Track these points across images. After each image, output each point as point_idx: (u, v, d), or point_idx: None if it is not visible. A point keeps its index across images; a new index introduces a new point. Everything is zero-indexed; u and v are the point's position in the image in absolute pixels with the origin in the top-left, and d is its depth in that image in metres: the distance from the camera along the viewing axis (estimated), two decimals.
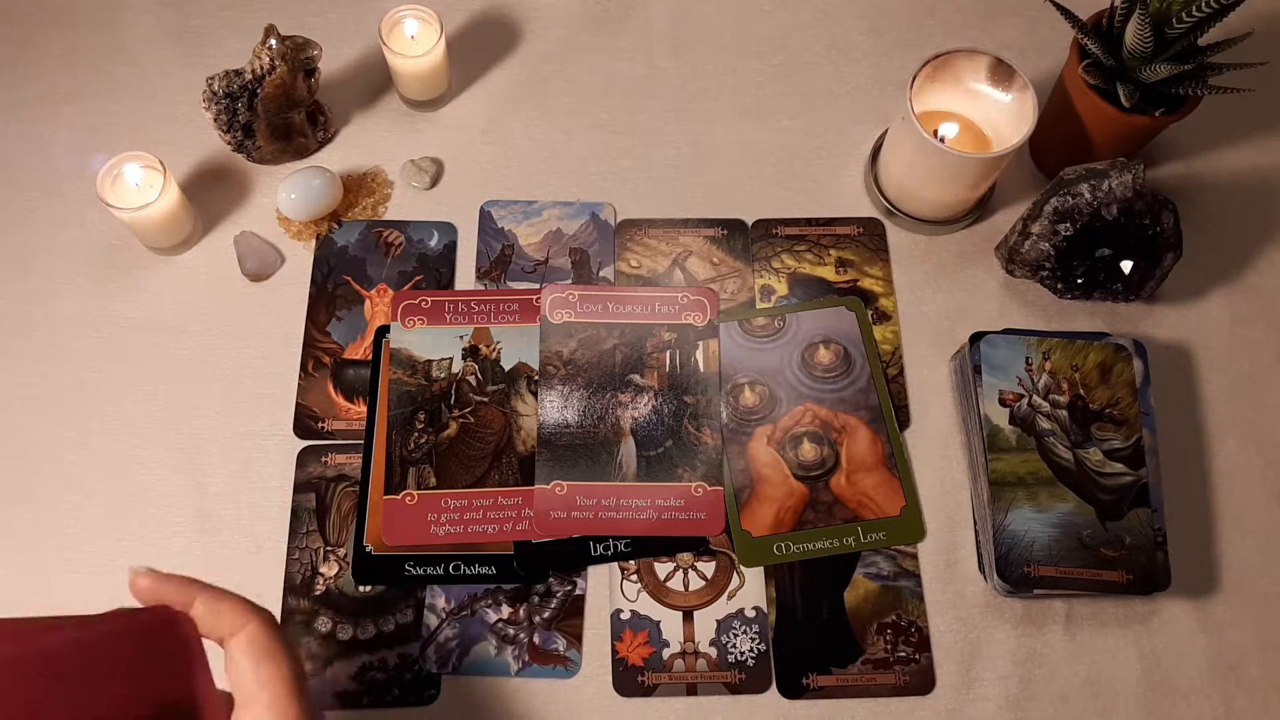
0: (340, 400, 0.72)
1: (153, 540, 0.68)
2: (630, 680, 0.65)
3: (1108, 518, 0.65)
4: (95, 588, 0.67)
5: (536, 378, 0.71)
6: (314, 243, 0.77)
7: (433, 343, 0.72)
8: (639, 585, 0.68)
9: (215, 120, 0.75)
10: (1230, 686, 0.66)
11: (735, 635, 0.66)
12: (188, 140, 0.80)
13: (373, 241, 0.77)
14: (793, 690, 0.65)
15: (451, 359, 0.72)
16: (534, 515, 0.67)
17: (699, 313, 0.73)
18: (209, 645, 0.42)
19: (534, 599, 0.67)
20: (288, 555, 0.68)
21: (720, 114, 0.83)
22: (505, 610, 0.67)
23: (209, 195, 0.79)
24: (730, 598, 0.67)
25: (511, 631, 0.66)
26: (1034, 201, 0.72)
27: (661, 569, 0.68)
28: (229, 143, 0.77)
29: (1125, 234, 0.70)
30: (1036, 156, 0.81)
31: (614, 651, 0.66)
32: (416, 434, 0.70)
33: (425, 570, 0.67)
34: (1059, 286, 0.73)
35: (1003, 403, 0.68)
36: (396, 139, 0.81)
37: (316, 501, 0.69)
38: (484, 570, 0.67)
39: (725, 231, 0.78)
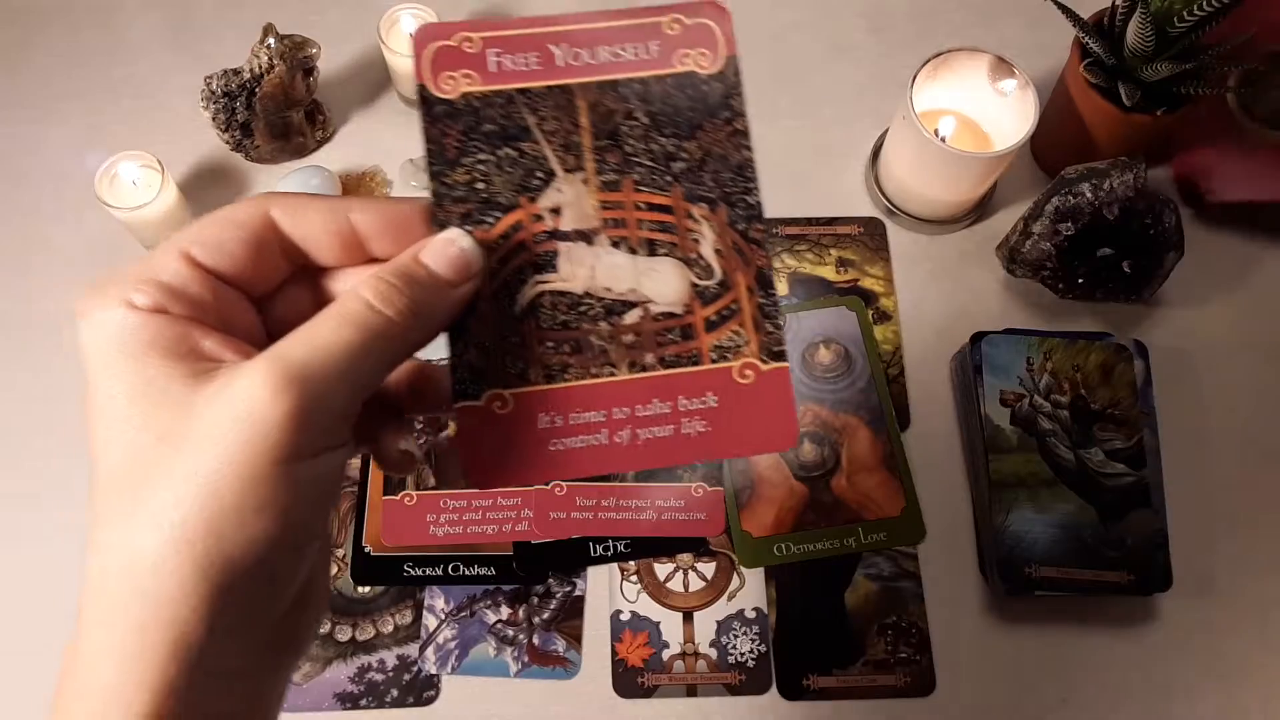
0: None
1: None
2: (630, 681, 0.65)
3: (1109, 518, 0.65)
4: None
5: None
6: None
7: (432, 343, 0.72)
8: (639, 586, 0.67)
9: (214, 119, 0.75)
10: (1231, 688, 0.66)
11: (735, 636, 0.66)
12: (186, 139, 0.80)
13: None
14: (793, 691, 0.65)
15: None
16: (533, 515, 0.67)
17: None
18: None
19: (533, 600, 0.67)
20: None
21: None
22: (504, 611, 0.66)
23: (207, 194, 0.78)
24: (730, 599, 0.67)
25: (511, 632, 0.66)
26: (1035, 201, 0.72)
27: (661, 570, 0.68)
28: (227, 142, 0.77)
29: (1127, 234, 0.70)
30: (1038, 156, 0.81)
31: (614, 652, 0.66)
32: (415, 434, 0.69)
33: (424, 571, 0.66)
34: (1060, 286, 0.72)
35: (1004, 403, 0.68)
36: (395, 138, 0.81)
37: None
38: (483, 571, 0.66)
39: None
